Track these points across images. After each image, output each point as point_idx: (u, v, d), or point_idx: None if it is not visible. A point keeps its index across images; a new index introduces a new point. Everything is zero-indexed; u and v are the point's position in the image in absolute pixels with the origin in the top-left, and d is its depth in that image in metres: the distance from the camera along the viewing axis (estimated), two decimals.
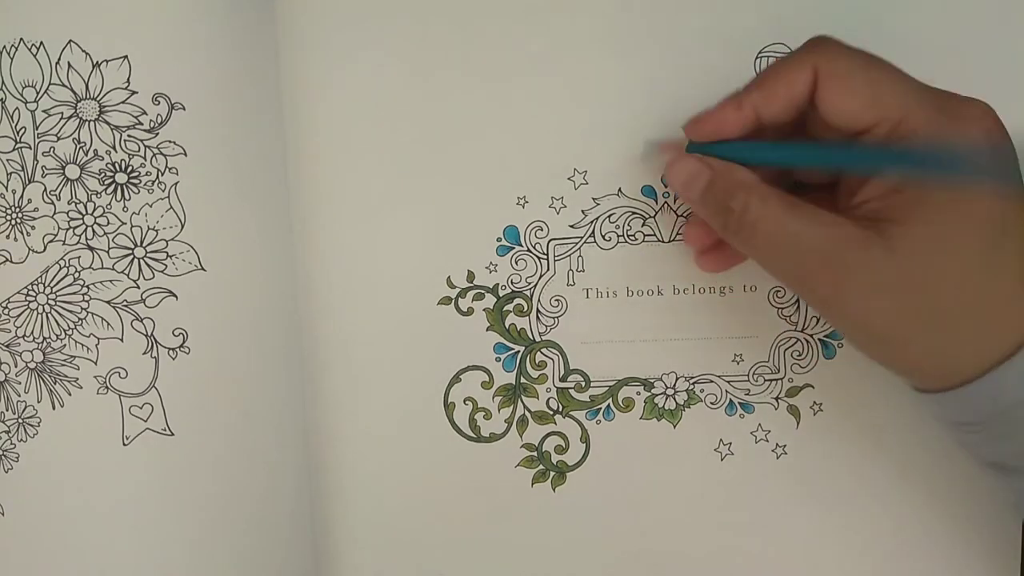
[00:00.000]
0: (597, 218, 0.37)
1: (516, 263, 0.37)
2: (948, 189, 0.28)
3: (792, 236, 0.29)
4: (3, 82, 0.35)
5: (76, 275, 0.36)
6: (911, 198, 0.28)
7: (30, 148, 0.35)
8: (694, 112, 0.35)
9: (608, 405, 0.38)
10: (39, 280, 0.36)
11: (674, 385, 0.38)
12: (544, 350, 0.38)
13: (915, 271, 0.28)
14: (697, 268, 0.36)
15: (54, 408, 0.36)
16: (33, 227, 0.35)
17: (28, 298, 0.36)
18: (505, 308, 0.38)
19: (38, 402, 0.36)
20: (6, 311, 0.36)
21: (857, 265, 0.28)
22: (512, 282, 0.37)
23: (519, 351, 0.38)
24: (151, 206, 0.36)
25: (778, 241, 0.29)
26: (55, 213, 0.35)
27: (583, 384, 0.38)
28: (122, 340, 0.36)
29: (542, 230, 0.37)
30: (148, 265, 0.36)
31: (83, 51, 0.35)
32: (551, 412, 0.38)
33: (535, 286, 0.37)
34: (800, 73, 0.29)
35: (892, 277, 0.28)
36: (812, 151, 0.30)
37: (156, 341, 0.36)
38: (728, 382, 0.38)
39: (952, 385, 0.29)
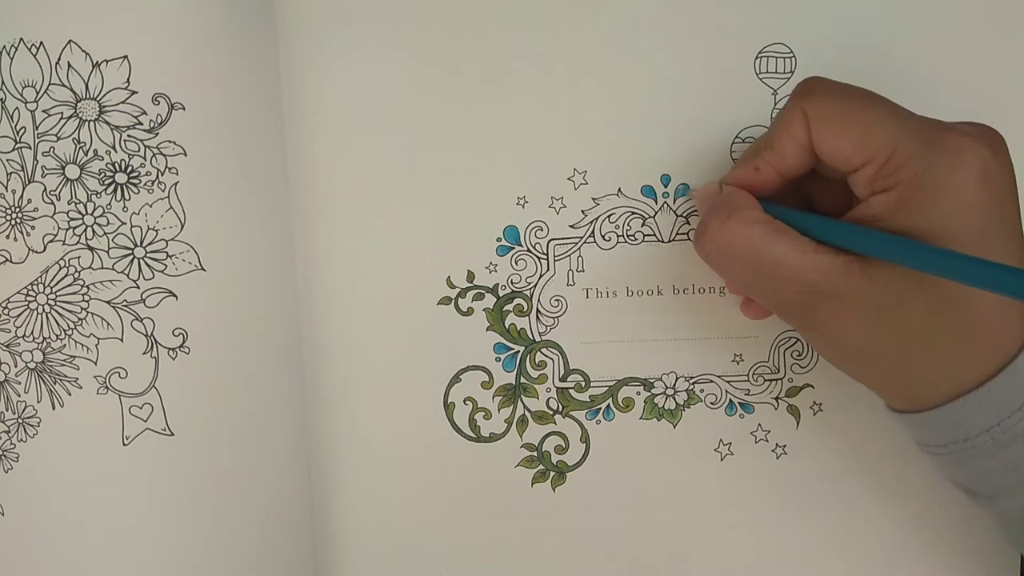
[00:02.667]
0: (597, 218, 0.37)
1: (516, 263, 0.37)
2: (927, 227, 0.28)
3: (774, 261, 0.29)
4: (3, 82, 0.35)
5: (76, 275, 0.36)
6: (894, 231, 0.28)
7: (30, 148, 0.35)
8: (694, 113, 0.35)
9: (608, 405, 0.38)
10: (39, 280, 0.36)
11: (674, 385, 0.38)
12: (544, 350, 0.38)
13: (890, 301, 0.28)
14: (699, 270, 0.36)
15: (54, 408, 0.36)
16: (33, 227, 0.35)
17: (28, 298, 0.36)
18: (505, 308, 0.38)
19: (38, 402, 0.36)
20: (6, 311, 0.36)
21: (835, 293, 0.29)
22: (512, 282, 0.37)
23: (519, 351, 0.38)
24: (151, 206, 0.36)
25: (754, 261, 0.30)
26: (55, 213, 0.35)
27: (583, 384, 0.38)
28: (122, 340, 0.36)
29: (542, 230, 0.37)
30: (148, 265, 0.36)
31: (83, 51, 0.35)
32: (551, 412, 0.38)
33: (535, 286, 0.37)
34: (795, 122, 0.30)
35: (868, 305, 0.29)
36: (880, 240, 0.29)
37: (156, 341, 0.36)
38: (728, 382, 0.38)
39: (918, 408, 0.30)
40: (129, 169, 0.35)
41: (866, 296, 0.28)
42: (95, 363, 0.36)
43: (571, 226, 0.37)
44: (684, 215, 0.37)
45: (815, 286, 0.29)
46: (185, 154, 0.36)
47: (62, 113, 0.35)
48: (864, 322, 0.29)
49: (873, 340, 0.29)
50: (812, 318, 0.30)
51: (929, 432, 0.31)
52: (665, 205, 0.37)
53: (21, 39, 0.35)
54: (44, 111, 0.35)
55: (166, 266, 0.36)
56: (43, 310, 0.36)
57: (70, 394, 0.36)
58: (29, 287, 0.36)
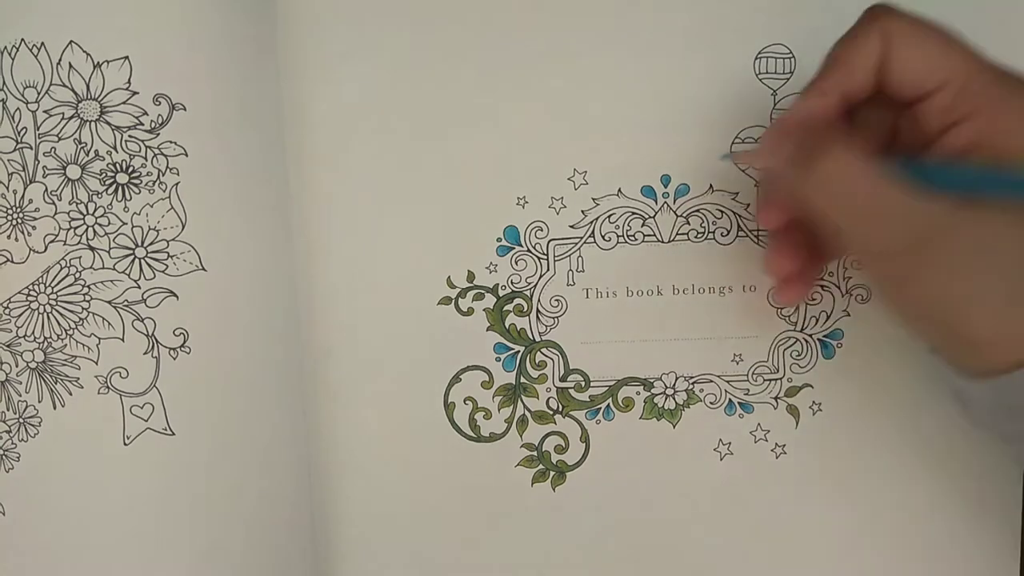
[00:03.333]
0: (597, 218, 0.37)
1: (516, 263, 0.37)
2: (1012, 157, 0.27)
3: (892, 200, 0.27)
4: (4, 83, 0.35)
5: (77, 275, 0.36)
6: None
7: (31, 148, 0.35)
8: (694, 113, 0.35)
9: (608, 405, 0.38)
10: (40, 280, 0.36)
11: (674, 385, 0.38)
12: (544, 350, 0.38)
13: (1004, 250, 0.27)
14: (699, 270, 0.36)
15: (55, 408, 0.36)
16: (34, 227, 0.36)
17: (29, 298, 0.36)
18: (505, 308, 0.38)
19: (39, 402, 0.36)
20: (7, 311, 0.36)
21: (946, 237, 0.27)
22: (512, 282, 0.37)
23: (519, 351, 0.38)
24: (152, 206, 0.36)
25: (872, 201, 0.28)
26: (56, 213, 0.35)
27: (583, 384, 0.38)
28: (123, 340, 0.36)
29: (542, 230, 0.37)
30: (149, 265, 0.36)
31: (84, 52, 0.35)
32: (551, 412, 0.38)
33: (535, 286, 0.37)
34: (870, 41, 0.29)
35: (978, 252, 0.27)
36: (991, 176, 0.28)
37: (157, 341, 0.36)
38: (728, 382, 0.38)
39: (1015, 367, 0.28)
40: (130, 169, 0.36)
41: (977, 242, 0.27)
42: (96, 363, 0.36)
43: (571, 226, 0.37)
44: (684, 215, 0.37)
45: (926, 230, 0.27)
46: (186, 154, 0.36)
47: (63, 113, 0.35)
48: (972, 273, 0.27)
49: (980, 292, 0.27)
50: (916, 268, 0.28)
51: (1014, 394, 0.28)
52: (665, 205, 0.37)
53: (22, 40, 0.35)
54: (45, 111, 0.35)
55: (167, 266, 0.36)
56: (44, 310, 0.36)
57: (71, 394, 0.36)
58: (30, 287, 0.36)
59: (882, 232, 0.28)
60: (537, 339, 0.38)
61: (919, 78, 0.28)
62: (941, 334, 0.29)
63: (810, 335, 0.37)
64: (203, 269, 0.36)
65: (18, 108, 0.35)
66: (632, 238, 0.37)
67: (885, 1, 0.29)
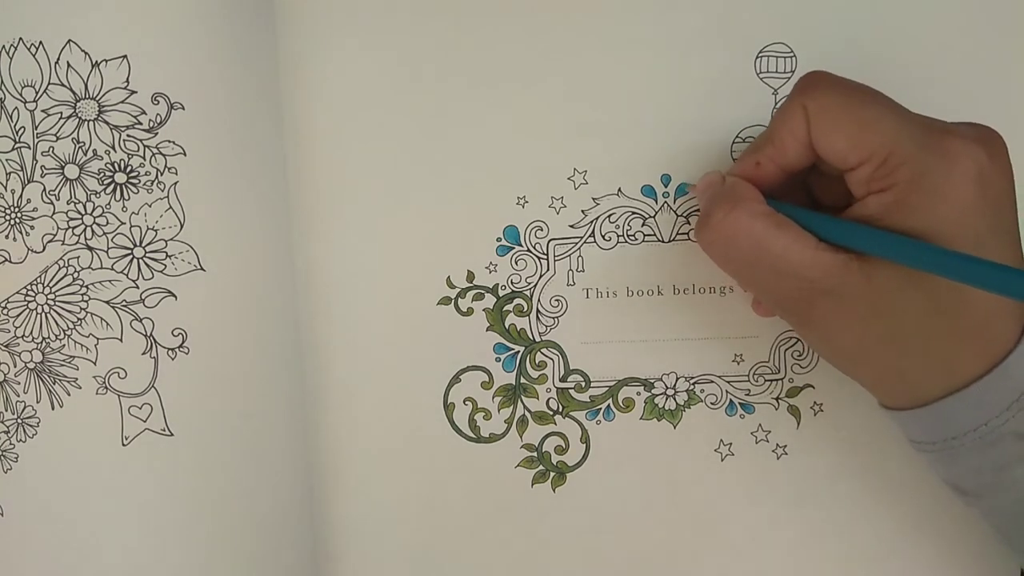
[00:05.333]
0: (597, 218, 0.37)
1: (516, 263, 0.37)
2: (923, 229, 0.28)
3: (776, 255, 0.29)
4: (2, 82, 0.35)
5: (75, 275, 0.36)
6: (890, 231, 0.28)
7: (29, 148, 0.35)
8: (694, 112, 0.35)
9: (608, 405, 0.38)
10: (38, 280, 0.36)
11: (674, 385, 0.38)
12: (544, 350, 0.38)
13: (888, 300, 0.29)
14: (699, 270, 0.36)
15: (53, 408, 0.36)
16: (32, 227, 0.35)
17: (27, 298, 0.36)
18: (505, 308, 0.38)
19: (37, 402, 0.36)
20: (5, 311, 0.36)
21: (834, 290, 0.29)
22: (512, 282, 0.37)
23: (519, 351, 0.38)
24: (150, 206, 0.36)
25: (755, 254, 0.30)
26: (54, 213, 0.35)
27: (583, 384, 0.38)
28: (121, 340, 0.36)
29: (542, 230, 0.37)
30: (147, 265, 0.36)
31: (82, 51, 0.35)
32: (551, 412, 0.38)
33: (535, 286, 0.37)
34: (795, 117, 0.30)
35: (866, 303, 0.29)
36: (881, 239, 0.29)
37: (155, 341, 0.36)
38: (728, 382, 0.38)
39: (910, 406, 0.31)
40: (128, 169, 0.35)
41: (864, 294, 0.29)
42: (94, 363, 0.36)
43: (571, 226, 0.37)
44: (684, 215, 0.37)
45: (814, 282, 0.29)
46: (184, 154, 0.36)
47: (61, 113, 0.35)
48: (861, 320, 0.29)
49: (869, 338, 0.30)
50: (809, 314, 0.30)
51: (920, 429, 0.31)
52: (665, 205, 0.37)
53: (20, 39, 0.34)
54: (43, 111, 0.35)
55: (165, 266, 0.36)
56: (42, 310, 0.36)
57: (69, 394, 0.36)
58: (28, 287, 0.36)
59: (767, 285, 0.30)
60: (537, 339, 0.38)
61: (839, 156, 0.29)
62: (839, 367, 0.32)
63: None
64: (202, 269, 0.36)
65: (16, 107, 0.35)
66: (632, 238, 0.37)
67: (815, 70, 0.30)
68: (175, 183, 0.36)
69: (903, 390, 0.31)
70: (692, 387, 0.38)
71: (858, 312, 0.29)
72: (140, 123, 0.35)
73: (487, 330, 0.38)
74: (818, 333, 0.31)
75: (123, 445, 0.36)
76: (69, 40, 0.34)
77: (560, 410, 0.38)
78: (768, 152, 0.31)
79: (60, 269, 0.36)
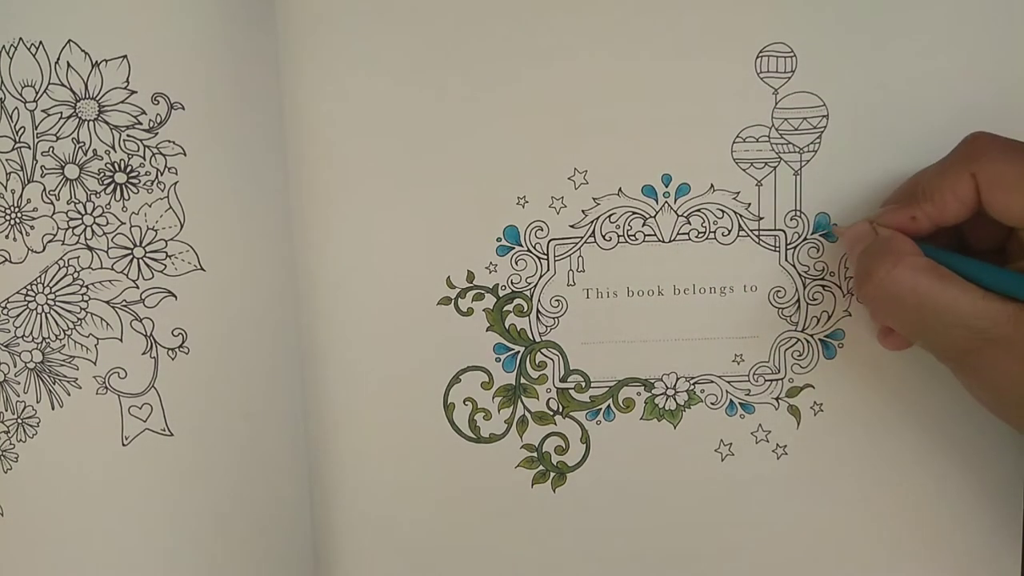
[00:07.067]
0: (597, 218, 0.37)
1: (516, 263, 0.37)
2: None
3: (942, 308, 0.30)
4: (2, 82, 0.35)
5: (75, 275, 0.36)
6: None
7: (29, 148, 0.35)
8: (695, 111, 0.35)
9: (608, 405, 0.38)
10: (38, 280, 0.36)
11: (674, 385, 0.38)
12: (544, 350, 0.38)
13: None
14: (699, 270, 0.36)
15: (53, 408, 0.36)
16: (32, 227, 0.35)
17: (27, 298, 0.36)
18: (505, 308, 0.37)
19: (37, 402, 0.36)
20: (5, 311, 0.36)
21: (1002, 339, 0.29)
22: (512, 282, 0.37)
23: (519, 351, 0.38)
24: (150, 206, 0.36)
25: (922, 310, 0.30)
26: (54, 213, 0.35)
27: (583, 384, 0.38)
28: (121, 340, 0.36)
29: (542, 230, 0.37)
30: (147, 265, 0.36)
31: (82, 51, 0.35)
32: (551, 412, 0.38)
33: (535, 286, 0.37)
34: (962, 182, 0.30)
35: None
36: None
37: (155, 341, 0.36)
38: (728, 382, 0.38)
39: None
40: (128, 169, 0.35)
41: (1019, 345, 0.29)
42: (94, 363, 0.36)
43: (571, 226, 0.37)
44: (685, 215, 0.37)
45: (984, 332, 0.29)
46: (184, 154, 0.36)
47: (61, 113, 0.35)
48: (1012, 372, 0.29)
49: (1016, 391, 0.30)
50: (975, 362, 0.30)
51: None
52: (666, 205, 0.37)
53: (20, 39, 0.34)
54: (43, 111, 0.35)
55: (165, 266, 0.36)
56: (42, 310, 0.36)
57: (69, 394, 0.36)
58: (28, 287, 0.36)
59: (933, 336, 0.31)
60: (537, 339, 0.38)
61: (1014, 217, 0.30)
62: (999, 414, 0.32)
63: (811, 335, 0.37)
64: (202, 269, 0.36)
65: (16, 107, 0.35)
66: (633, 238, 0.37)
67: (980, 134, 0.31)
68: (175, 183, 0.36)
69: None
70: (692, 387, 0.38)
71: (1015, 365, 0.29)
72: (140, 123, 0.35)
73: (487, 330, 0.38)
74: (982, 380, 0.31)
75: (123, 445, 0.36)
76: (69, 40, 0.34)
77: (560, 410, 0.38)
78: (927, 209, 0.31)
79: (60, 269, 0.36)
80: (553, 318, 0.38)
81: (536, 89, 0.36)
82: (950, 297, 0.29)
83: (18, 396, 0.36)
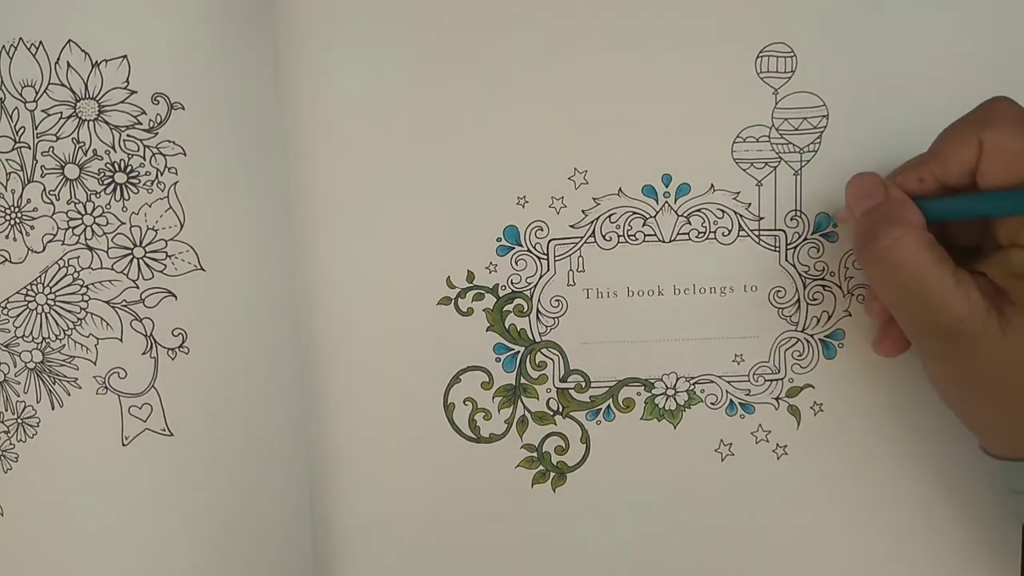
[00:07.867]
0: (597, 218, 0.37)
1: (516, 263, 0.37)
2: None
3: (931, 287, 0.29)
4: (2, 82, 0.35)
5: (75, 275, 0.36)
6: None
7: (29, 148, 0.35)
8: (695, 112, 0.35)
9: (608, 406, 0.38)
10: (38, 280, 0.36)
11: (674, 385, 0.38)
12: (544, 350, 0.38)
13: (1017, 354, 0.29)
14: (699, 270, 0.36)
15: (53, 408, 0.36)
16: (32, 227, 0.35)
17: (27, 298, 0.36)
18: (505, 308, 0.37)
19: (37, 402, 0.36)
20: (5, 311, 0.36)
21: (974, 333, 0.29)
22: (512, 282, 0.37)
23: (519, 351, 0.38)
24: (150, 206, 0.36)
25: (914, 285, 0.30)
26: (54, 213, 0.35)
27: (583, 384, 0.38)
28: (121, 340, 0.36)
29: (542, 230, 0.37)
30: (147, 265, 0.36)
31: (82, 51, 0.35)
32: (551, 412, 0.38)
33: (535, 286, 0.37)
34: (967, 146, 0.30)
35: (997, 354, 0.29)
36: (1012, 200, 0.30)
37: (155, 341, 0.36)
38: (728, 382, 0.38)
39: (1016, 457, 0.31)
40: (128, 169, 0.35)
41: (997, 345, 0.29)
42: (94, 363, 0.36)
43: (571, 226, 0.37)
44: (685, 215, 0.37)
45: (960, 321, 0.29)
46: (184, 154, 0.36)
47: (61, 113, 0.35)
48: (989, 368, 0.29)
49: (989, 386, 0.30)
50: (944, 350, 0.30)
51: (1019, 479, 0.31)
52: (666, 205, 0.37)
53: (20, 39, 0.34)
54: (43, 111, 0.35)
55: (165, 266, 0.36)
56: (42, 310, 0.36)
57: (69, 394, 0.36)
58: (28, 287, 0.36)
59: (915, 312, 0.31)
60: (537, 339, 0.38)
61: (1004, 185, 0.29)
62: (954, 409, 0.32)
63: (811, 335, 0.37)
64: (202, 269, 0.36)
65: (16, 107, 0.35)
66: (633, 238, 0.37)
67: (999, 99, 0.30)
68: (175, 183, 0.36)
69: (1015, 441, 0.31)
70: (692, 387, 0.38)
71: (988, 360, 0.29)
72: (140, 123, 0.35)
73: (487, 330, 0.38)
74: (946, 371, 0.31)
75: (123, 445, 0.36)
76: (69, 40, 0.34)
77: (560, 410, 0.38)
78: (931, 167, 0.31)
79: (60, 269, 0.36)
80: (553, 318, 0.38)
81: (536, 89, 0.36)
82: (943, 275, 0.29)
83: (18, 396, 0.36)
